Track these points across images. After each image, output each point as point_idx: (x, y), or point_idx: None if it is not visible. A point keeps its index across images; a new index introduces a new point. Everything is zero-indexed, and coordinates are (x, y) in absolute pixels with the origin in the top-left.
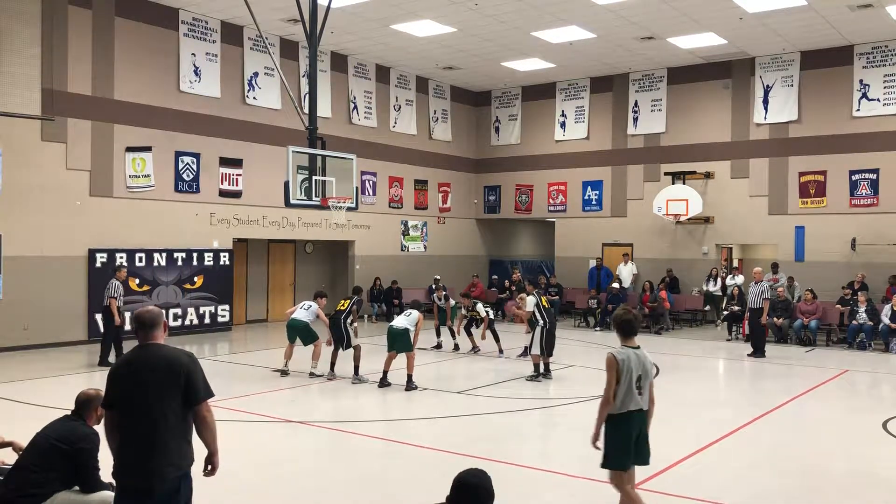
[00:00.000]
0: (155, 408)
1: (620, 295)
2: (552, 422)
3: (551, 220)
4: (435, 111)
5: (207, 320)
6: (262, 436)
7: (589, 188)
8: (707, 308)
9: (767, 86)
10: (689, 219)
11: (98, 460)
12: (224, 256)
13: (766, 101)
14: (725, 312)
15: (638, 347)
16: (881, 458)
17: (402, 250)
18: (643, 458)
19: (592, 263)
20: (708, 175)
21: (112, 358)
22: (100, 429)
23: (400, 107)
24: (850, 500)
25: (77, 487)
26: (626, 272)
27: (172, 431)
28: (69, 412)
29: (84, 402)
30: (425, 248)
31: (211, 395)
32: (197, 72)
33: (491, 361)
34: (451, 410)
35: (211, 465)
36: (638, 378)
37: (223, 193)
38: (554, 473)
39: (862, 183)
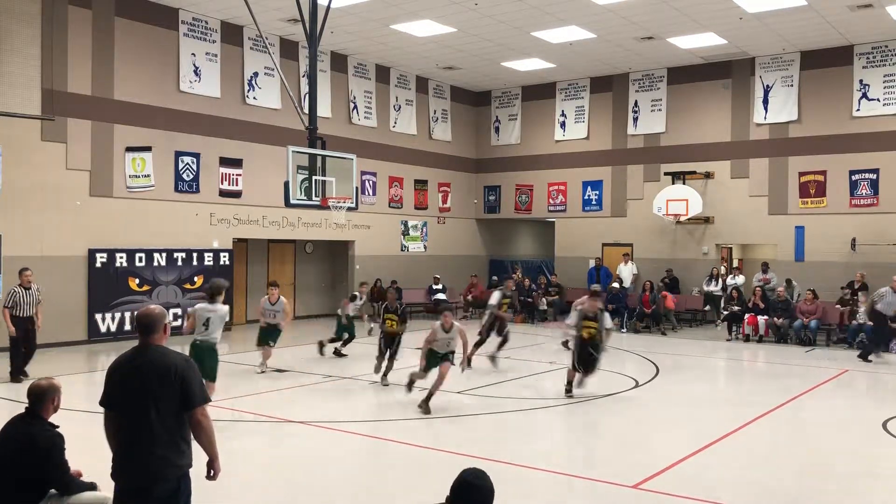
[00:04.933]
0: (150, 410)
1: (620, 294)
2: (552, 421)
3: (551, 220)
4: (435, 111)
5: None
6: (262, 436)
7: (589, 188)
8: (707, 308)
9: (767, 86)
10: (688, 219)
11: (65, 462)
12: (224, 256)
13: (766, 101)
14: (725, 312)
15: (215, 303)
16: (881, 458)
17: (402, 250)
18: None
19: (592, 263)
20: (708, 175)
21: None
22: (65, 420)
23: (400, 107)
24: (850, 498)
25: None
26: (626, 272)
27: (169, 433)
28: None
29: (38, 396)
30: (425, 248)
31: (206, 400)
32: (197, 72)
33: (486, 362)
34: (451, 410)
35: (212, 470)
36: (206, 320)
37: (223, 193)
38: (555, 473)
39: (862, 183)
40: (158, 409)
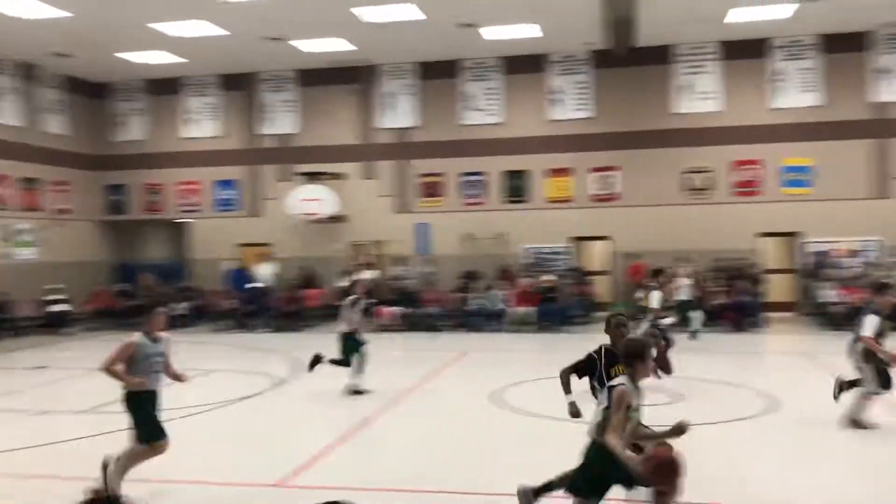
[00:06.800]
0: None
1: (260, 294)
2: (198, 429)
3: (185, 221)
4: (47, 102)
5: None
6: None
7: (223, 187)
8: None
9: (391, 92)
10: (323, 218)
11: None
12: None
13: (389, 107)
14: None
15: None
16: (497, 429)
17: (7, 258)
18: None
19: (229, 265)
20: (339, 176)
21: None
22: None
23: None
24: (474, 470)
25: None
26: (265, 271)
27: None
28: None
29: None
30: (38, 254)
31: None
32: None
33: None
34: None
35: None
36: None
37: None
38: (196, 483)
39: (471, 184)
40: None
